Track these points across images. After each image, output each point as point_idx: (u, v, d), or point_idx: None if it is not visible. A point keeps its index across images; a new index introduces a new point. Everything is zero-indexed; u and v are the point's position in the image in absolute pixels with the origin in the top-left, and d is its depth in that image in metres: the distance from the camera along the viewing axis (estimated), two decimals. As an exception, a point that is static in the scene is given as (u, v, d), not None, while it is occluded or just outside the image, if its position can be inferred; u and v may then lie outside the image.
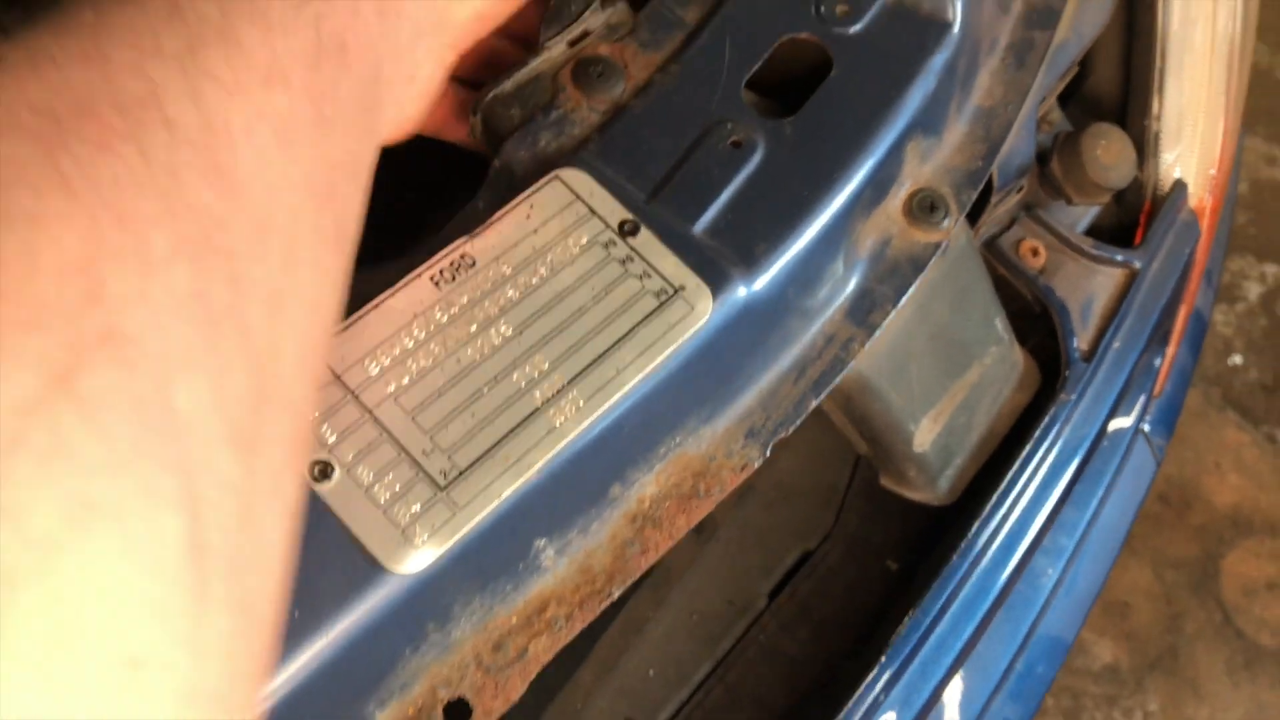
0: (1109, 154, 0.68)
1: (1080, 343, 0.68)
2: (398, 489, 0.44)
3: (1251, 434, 2.12)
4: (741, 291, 0.51)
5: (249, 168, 0.30)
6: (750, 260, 0.52)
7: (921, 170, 0.59)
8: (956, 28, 0.58)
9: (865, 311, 0.56)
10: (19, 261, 0.24)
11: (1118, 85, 0.77)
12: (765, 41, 0.57)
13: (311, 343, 0.33)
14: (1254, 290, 2.34)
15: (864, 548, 0.81)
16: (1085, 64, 0.75)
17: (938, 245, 0.58)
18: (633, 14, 0.58)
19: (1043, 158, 0.70)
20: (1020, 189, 0.68)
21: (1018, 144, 0.65)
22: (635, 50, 0.57)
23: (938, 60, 0.58)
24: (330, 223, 0.34)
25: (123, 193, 0.26)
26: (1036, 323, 0.72)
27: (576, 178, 0.52)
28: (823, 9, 0.58)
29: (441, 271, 0.48)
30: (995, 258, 0.69)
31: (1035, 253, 0.69)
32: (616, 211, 0.51)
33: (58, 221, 0.24)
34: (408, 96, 0.50)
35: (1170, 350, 0.79)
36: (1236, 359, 2.27)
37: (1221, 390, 2.19)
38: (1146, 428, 0.82)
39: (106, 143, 0.26)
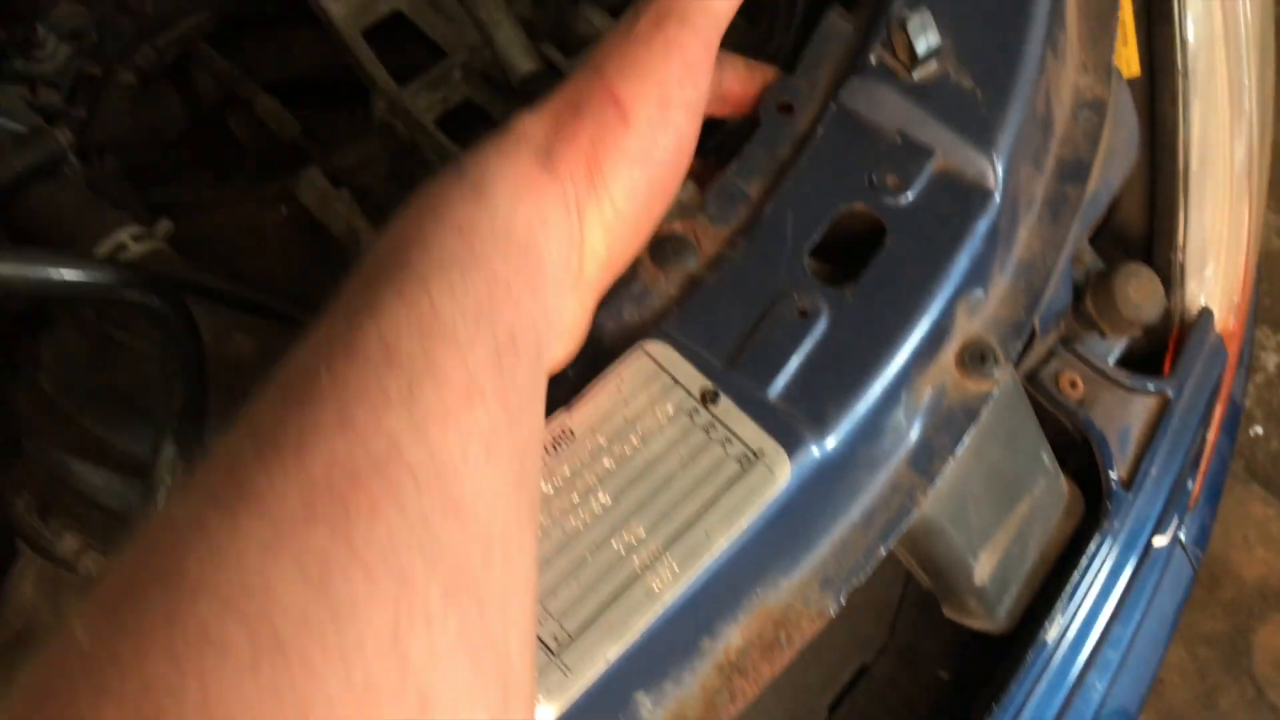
0: (1139, 292, 0.72)
1: (1120, 471, 0.72)
2: (514, 654, 0.49)
3: (1276, 507, 2.15)
4: (814, 452, 0.56)
5: (471, 491, 0.34)
6: (821, 421, 0.56)
7: (971, 324, 0.63)
8: (997, 194, 0.63)
9: (927, 460, 0.60)
10: (356, 656, 0.27)
11: (1143, 220, 0.82)
12: (823, 213, 0.62)
13: (530, 622, 0.38)
14: (1272, 361, 2.38)
15: (917, 658, 0.84)
16: (1112, 201, 0.80)
17: (989, 394, 0.62)
18: (701, 191, 0.63)
19: (1077, 295, 0.75)
20: (1058, 328, 0.73)
21: (1056, 290, 0.70)
22: (705, 225, 0.62)
23: (982, 225, 0.63)
24: (526, 504, 0.39)
25: (399, 554, 0.30)
26: (1076, 448, 0.76)
27: (660, 350, 0.57)
28: (875, 180, 0.63)
29: (545, 445, 0.53)
30: (1037, 391, 0.74)
31: (1074, 385, 0.73)
32: (697, 380, 0.56)
33: (367, 605, 0.28)
34: (561, 346, 0.55)
35: (1203, 467, 0.83)
36: (1258, 429, 2.30)
37: (1244, 462, 2.22)
38: (1183, 538, 0.86)
39: (375, 507, 0.30)
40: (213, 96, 1.07)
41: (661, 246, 0.61)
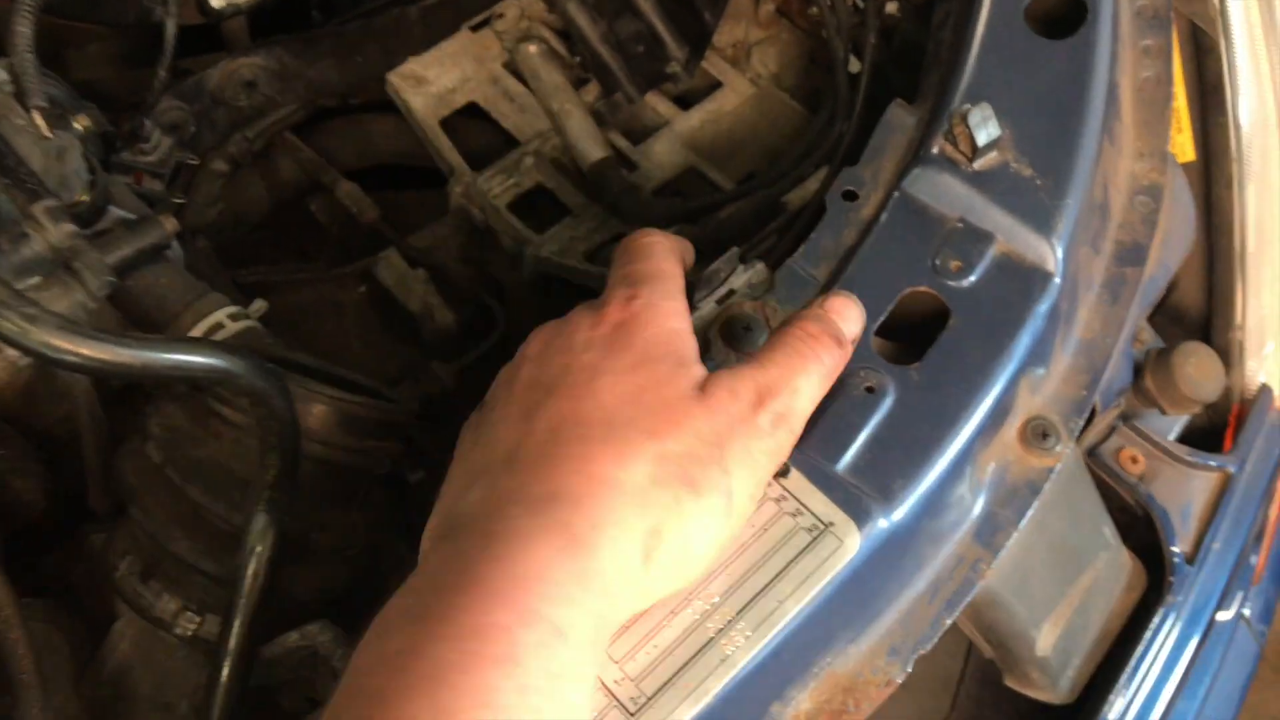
0: (1199, 370, 0.74)
1: (1182, 545, 0.73)
2: (595, 715, 0.51)
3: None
4: (882, 523, 0.58)
5: None
6: (889, 495, 0.58)
7: (1033, 401, 0.65)
8: (1057, 277, 0.66)
9: (990, 533, 0.62)
10: None
11: (1201, 300, 0.84)
12: (888, 295, 0.65)
13: None
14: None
15: (981, 733, 0.85)
16: (1170, 282, 0.82)
17: (1051, 468, 0.64)
18: (770, 273, 0.66)
19: (1137, 372, 0.77)
20: (1119, 404, 0.75)
21: (1116, 368, 0.72)
22: (775, 306, 0.65)
23: (1043, 306, 0.65)
24: None
25: None
26: (1137, 522, 0.77)
27: (733, 425, 0.59)
28: (938, 264, 0.65)
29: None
30: (1099, 466, 0.75)
31: (1134, 460, 0.75)
32: (769, 455, 0.58)
33: None
34: None
35: (1266, 543, 0.84)
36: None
37: (1311, 543, 2.17)
38: (1247, 613, 0.86)
39: None
40: (295, 182, 1.12)
41: (733, 326, 0.63)
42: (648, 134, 1.06)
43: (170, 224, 0.79)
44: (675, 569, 0.52)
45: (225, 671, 0.58)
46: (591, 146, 1.00)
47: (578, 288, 0.96)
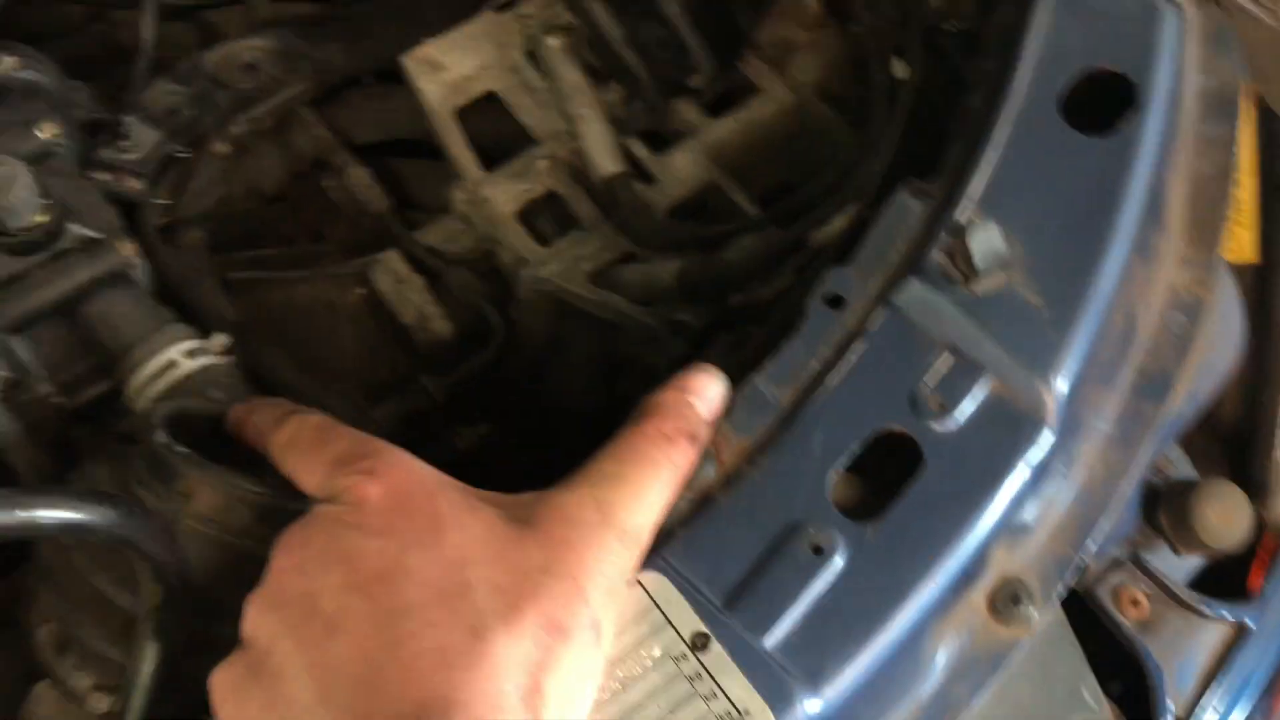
0: (1222, 517, 0.66)
1: (1176, 708, 0.66)
2: None
3: None
4: (809, 709, 0.53)
5: None
6: (818, 680, 0.53)
7: (1009, 561, 0.59)
8: (1052, 428, 0.58)
9: (940, 713, 0.56)
10: None
11: (1241, 412, 0.75)
12: (857, 433, 0.58)
13: None
14: None
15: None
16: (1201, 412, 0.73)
17: (1019, 640, 0.58)
18: (728, 393, 0.60)
19: (1152, 500, 0.69)
20: (1123, 545, 0.67)
21: (1120, 515, 0.64)
22: (729, 434, 0.59)
23: (1029, 459, 0.58)
24: None
25: None
26: (1126, 660, 0.70)
27: (655, 583, 0.54)
28: (918, 399, 0.58)
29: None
30: (1093, 605, 0.68)
31: (1135, 603, 0.67)
32: (691, 622, 0.53)
33: None
34: None
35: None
36: None
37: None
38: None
39: None
40: (310, 156, 1.08)
41: (675, 457, 0.58)
42: (672, 141, 0.98)
43: (127, 249, 0.75)
44: (562, 714, 0.49)
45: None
46: (605, 158, 0.93)
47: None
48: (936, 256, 0.61)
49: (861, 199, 0.83)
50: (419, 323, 0.95)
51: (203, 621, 0.60)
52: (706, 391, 0.58)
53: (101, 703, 0.63)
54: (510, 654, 0.47)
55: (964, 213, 0.61)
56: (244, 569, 0.61)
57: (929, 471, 0.57)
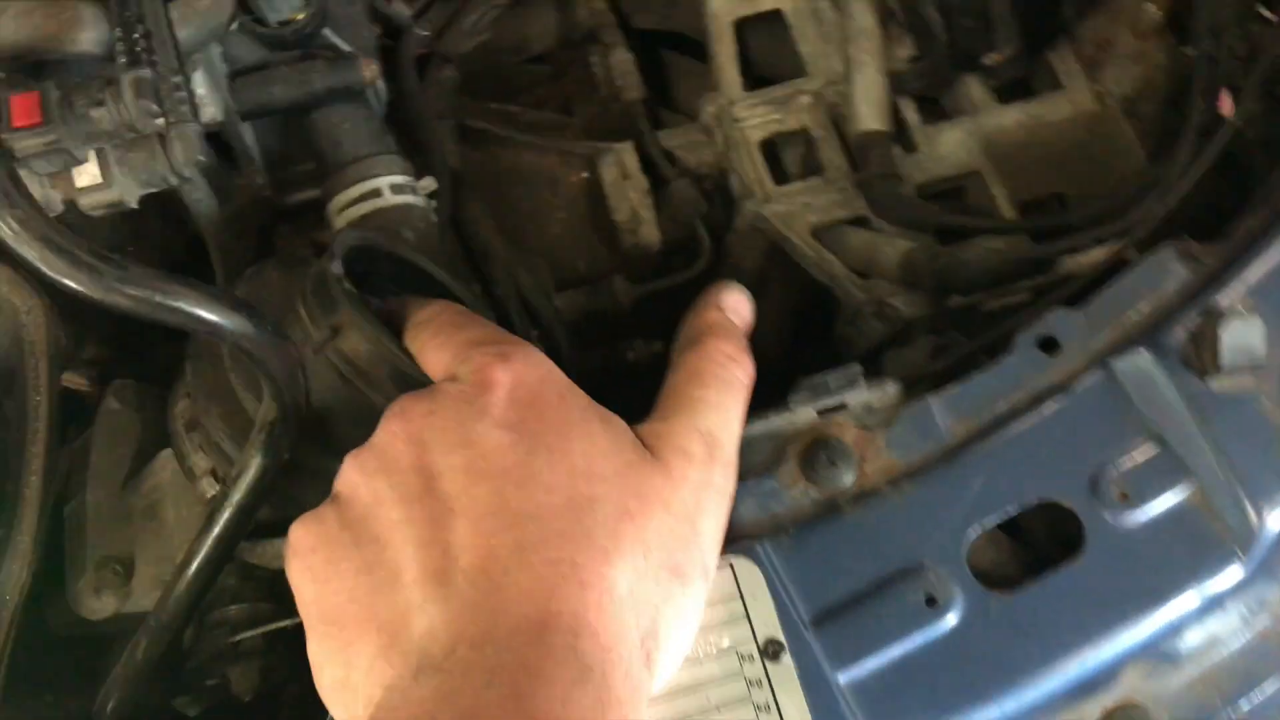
0: None
1: None
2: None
3: None
4: (860, 768, 0.48)
5: None
6: (884, 737, 0.48)
7: (1143, 685, 0.52)
8: (1244, 565, 0.51)
9: (1002, 815, 0.51)
10: None
11: None
12: (1020, 494, 0.52)
13: None
14: None
15: None
16: None
17: (1124, 774, 0.51)
18: (900, 402, 0.55)
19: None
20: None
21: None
22: (880, 449, 0.54)
23: (1210, 587, 0.51)
24: None
25: None
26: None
27: (747, 571, 0.50)
28: (1100, 483, 0.52)
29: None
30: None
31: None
32: (770, 625, 0.50)
33: None
34: None
35: None
36: None
37: None
38: None
39: None
40: (585, 27, 1.05)
41: (818, 452, 0.53)
42: (947, 115, 0.90)
43: (371, 70, 0.75)
44: (668, 664, 0.47)
45: (196, 564, 0.58)
46: (869, 113, 0.87)
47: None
48: (1180, 334, 0.53)
49: (1129, 238, 0.75)
50: (629, 224, 0.93)
51: (312, 451, 0.61)
52: (742, 309, 0.59)
53: (211, 489, 0.65)
54: (639, 589, 0.45)
55: (1230, 296, 0.53)
56: (364, 417, 0.61)
57: (1085, 561, 0.51)
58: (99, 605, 0.62)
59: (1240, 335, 0.50)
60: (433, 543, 0.44)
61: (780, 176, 0.91)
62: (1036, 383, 0.55)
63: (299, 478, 0.63)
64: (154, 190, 0.54)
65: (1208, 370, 0.52)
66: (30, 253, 0.42)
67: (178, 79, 0.51)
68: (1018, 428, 0.53)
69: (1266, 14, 0.75)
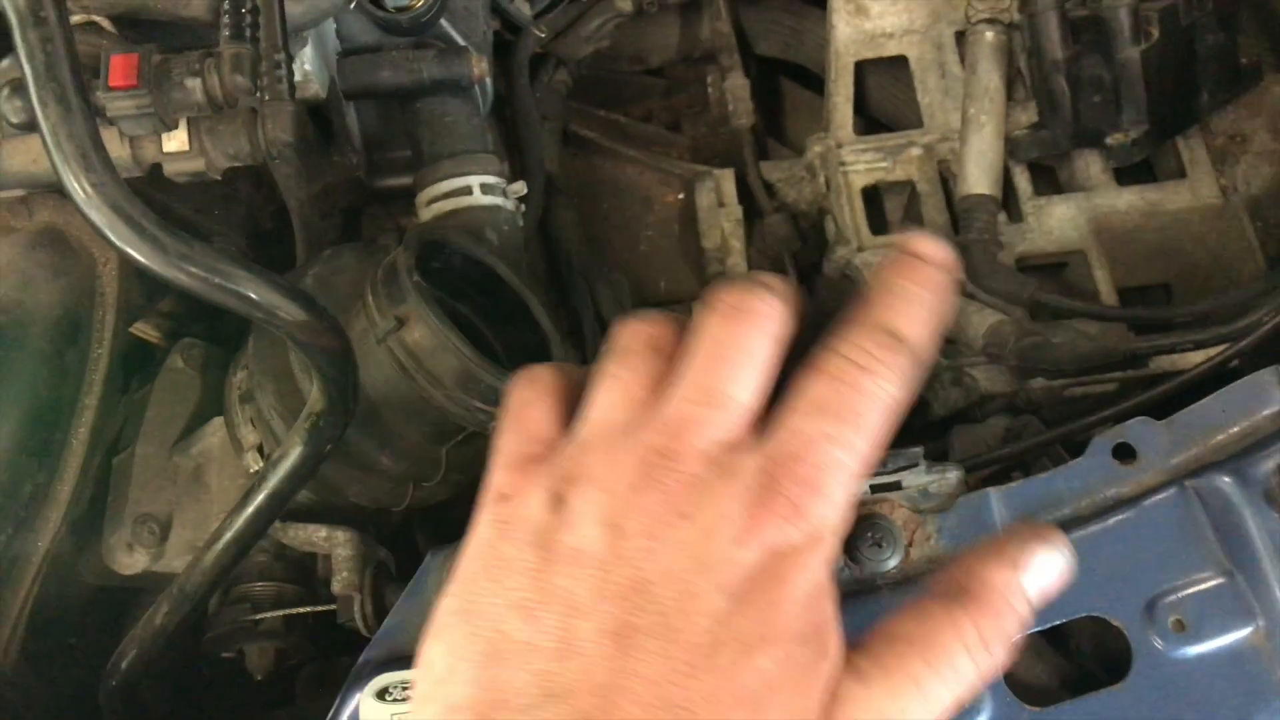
0: None
1: None
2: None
3: None
4: None
5: None
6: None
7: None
8: (1304, 723, 0.47)
9: None
10: None
11: None
12: (1069, 607, 0.49)
13: None
14: None
15: None
16: None
17: None
18: (959, 490, 0.52)
19: None
20: None
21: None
22: (930, 532, 0.51)
23: (1257, 734, 0.48)
24: None
25: None
26: None
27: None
28: (1157, 608, 0.49)
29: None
30: None
31: None
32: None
33: None
34: None
35: None
36: None
37: None
38: None
39: None
40: (706, 46, 1.04)
41: (866, 530, 0.51)
42: (1060, 188, 0.87)
43: (481, 66, 0.75)
44: None
45: (225, 539, 0.58)
46: (979, 175, 0.84)
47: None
48: (1269, 466, 0.50)
49: (1232, 348, 0.71)
50: (718, 251, 0.91)
51: (363, 440, 0.61)
52: (1046, 574, 0.41)
53: (256, 463, 0.65)
54: None
55: (1329, 433, 0.50)
56: (418, 411, 0.61)
57: (1128, 687, 0.48)
58: (130, 561, 0.63)
59: (1333, 481, 0.47)
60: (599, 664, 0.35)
61: (879, 224, 0.89)
62: (1106, 491, 0.52)
63: (345, 465, 0.63)
64: (239, 165, 0.54)
65: (1292, 509, 0.48)
66: (100, 218, 0.42)
67: (280, 57, 0.51)
68: (1078, 534, 0.50)
69: None
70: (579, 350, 0.86)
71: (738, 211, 0.92)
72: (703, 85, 1.07)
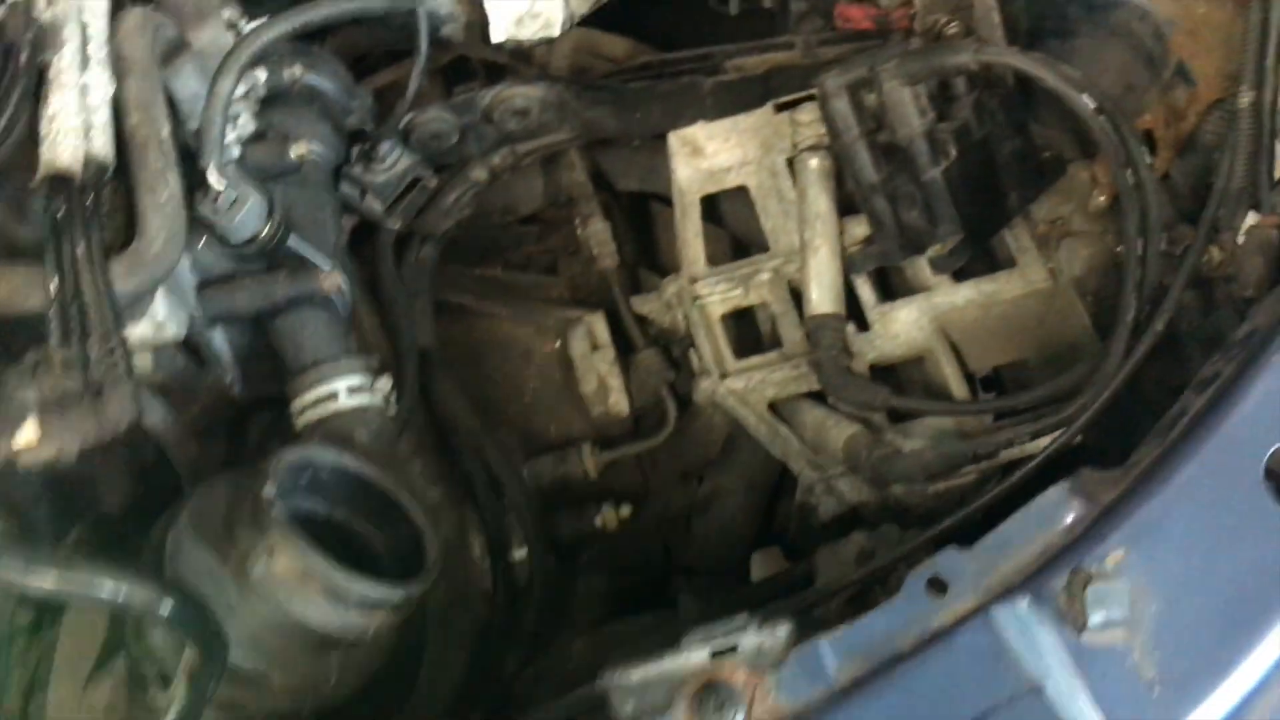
0: None
1: None
2: None
3: None
4: None
5: None
6: None
7: None
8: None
9: None
10: None
11: None
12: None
13: None
14: None
15: None
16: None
17: None
18: (790, 645, 0.57)
19: None
20: None
21: None
22: (769, 690, 0.56)
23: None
24: None
25: None
26: None
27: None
28: (978, 733, 0.53)
29: None
30: None
31: None
32: None
33: None
34: None
35: None
36: None
37: None
38: None
39: None
40: (569, 192, 1.10)
41: (709, 696, 0.55)
42: (903, 291, 0.93)
43: (330, 282, 0.80)
44: None
45: None
46: (821, 295, 0.89)
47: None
48: (1060, 583, 0.55)
49: (1068, 429, 0.76)
50: (597, 394, 0.96)
51: (253, 663, 0.64)
52: None
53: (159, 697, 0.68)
54: None
55: (1109, 549, 0.55)
56: (299, 629, 0.65)
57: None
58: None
59: (1103, 599, 0.52)
60: None
61: (742, 346, 0.94)
62: (924, 624, 0.56)
63: (239, 689, 0.66)
64: (92, 446, 0.58)
65: (1079, 627, 0.53)
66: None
67: (113, 343, 0.55)
68: (903, 673, 0.55)
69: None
70: (475, 512, 0.91)
71: (611, 353, 0.97)
72: (574, 225, 1.12)
